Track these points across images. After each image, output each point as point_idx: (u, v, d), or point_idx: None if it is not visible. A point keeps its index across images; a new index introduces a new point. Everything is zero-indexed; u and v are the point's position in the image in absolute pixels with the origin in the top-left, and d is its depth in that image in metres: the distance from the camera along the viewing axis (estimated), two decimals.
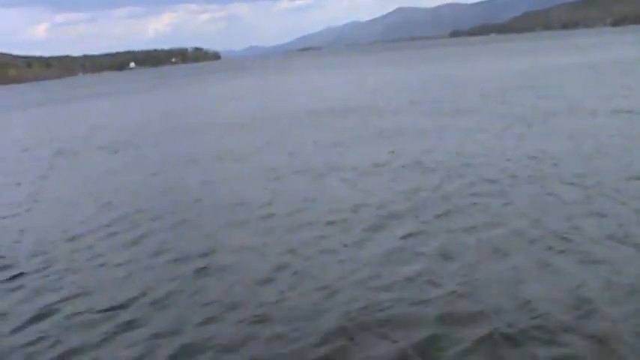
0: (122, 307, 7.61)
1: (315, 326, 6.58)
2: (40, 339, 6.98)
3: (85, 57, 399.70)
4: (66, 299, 8.05)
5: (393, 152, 15.93)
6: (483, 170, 13.10)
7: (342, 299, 7.16)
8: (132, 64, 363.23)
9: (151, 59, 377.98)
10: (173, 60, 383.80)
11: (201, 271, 8.54)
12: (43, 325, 7.33)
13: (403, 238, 9.17)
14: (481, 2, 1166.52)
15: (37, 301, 8.09)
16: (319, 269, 8.21)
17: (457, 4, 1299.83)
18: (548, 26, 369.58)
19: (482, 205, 10.45)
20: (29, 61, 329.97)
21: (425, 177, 12.99)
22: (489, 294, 6.95)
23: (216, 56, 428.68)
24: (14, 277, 9.13)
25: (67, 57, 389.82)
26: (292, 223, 10.48)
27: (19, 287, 8.73)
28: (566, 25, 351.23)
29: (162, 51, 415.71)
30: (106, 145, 24.05)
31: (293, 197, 12.38)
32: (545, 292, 6.88)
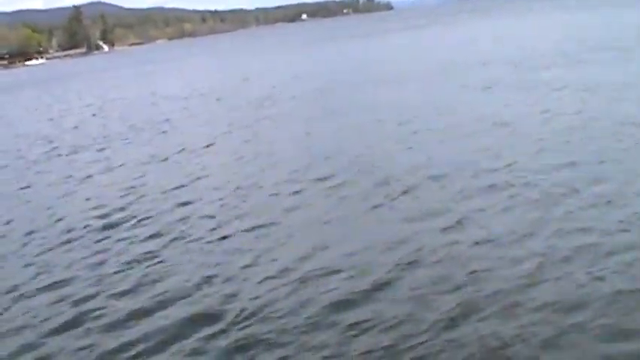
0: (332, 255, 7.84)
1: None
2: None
3: (258, 10, 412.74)
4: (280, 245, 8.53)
5: None
6: None
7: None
8: (304, 16, 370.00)
9: (323, 11, 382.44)
10: (345, 11, 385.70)
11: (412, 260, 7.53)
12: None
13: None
14: None
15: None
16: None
17: None
18: None
19: None
20: (204, 16, 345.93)
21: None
22: None
23: (388, 7, 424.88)
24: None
25: (241, 10, 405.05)
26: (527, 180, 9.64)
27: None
28: None
29: (334, 2, 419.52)
30: (300, 95, 24.47)
31: (530, 147, 11.51)
32: None
